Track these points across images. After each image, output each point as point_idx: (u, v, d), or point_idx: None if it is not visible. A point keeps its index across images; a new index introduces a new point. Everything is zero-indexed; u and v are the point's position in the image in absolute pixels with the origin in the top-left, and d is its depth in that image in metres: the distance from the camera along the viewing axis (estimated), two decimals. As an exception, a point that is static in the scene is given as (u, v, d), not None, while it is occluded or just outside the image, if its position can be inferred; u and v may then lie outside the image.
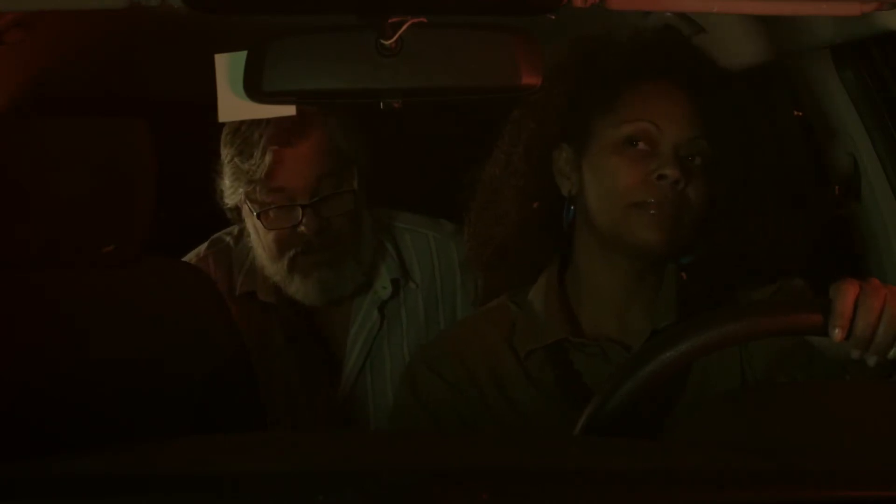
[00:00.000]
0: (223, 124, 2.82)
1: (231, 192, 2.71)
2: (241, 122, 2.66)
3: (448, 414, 2.18)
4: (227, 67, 2.14)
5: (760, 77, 2.48)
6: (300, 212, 2.64)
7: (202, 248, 2.88)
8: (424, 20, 1.77)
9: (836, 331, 1.82)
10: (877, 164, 2.40)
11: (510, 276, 2.31)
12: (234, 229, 2.87)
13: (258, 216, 2.67)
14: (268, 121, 2.59)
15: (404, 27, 1.76)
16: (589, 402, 1.85)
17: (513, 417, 2.17)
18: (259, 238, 2.71)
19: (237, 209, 2.76)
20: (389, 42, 1.77)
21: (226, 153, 2.71)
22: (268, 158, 2.63)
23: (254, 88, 1.84)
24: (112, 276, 2.26)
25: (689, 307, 2.20)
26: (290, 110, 2.42)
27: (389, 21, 1.76)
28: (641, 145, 2.16)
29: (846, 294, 1.84)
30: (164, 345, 2.27)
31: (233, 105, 2.32)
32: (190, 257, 2.88)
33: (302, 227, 2.64)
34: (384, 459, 1.58)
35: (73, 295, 2.25)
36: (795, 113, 2.54)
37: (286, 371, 2.78)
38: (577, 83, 2.23)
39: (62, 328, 2.23)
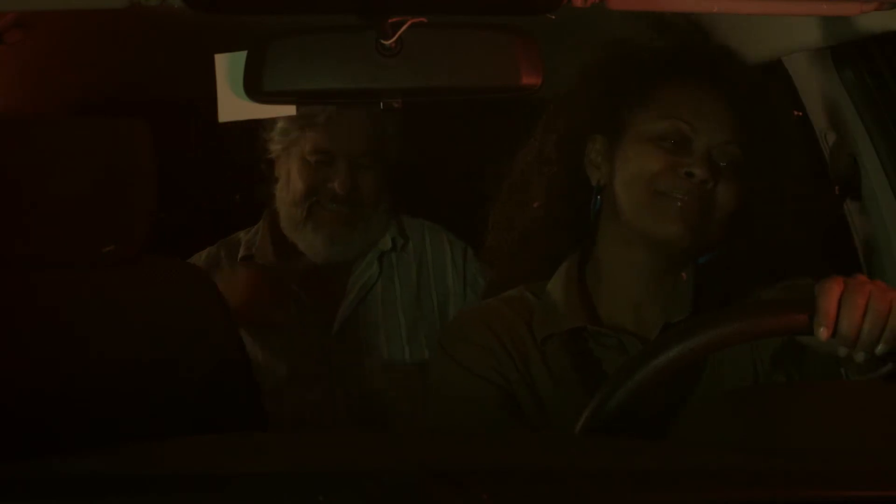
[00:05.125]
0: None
1: (281, 136, 2.88)
2: None
3: (485, 371, 2.19)
4: (227, 67, 2.14)
5: (760, 77, 2.48)
6: (338, 169, 2.84)
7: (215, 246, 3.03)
8: (424, 20, 1.77)
9: (822, 330, 1.82)
10: (877, 164, 2.40)
11: (530, 265, 2.32)
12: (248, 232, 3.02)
13: (299, 161, 2.86)
14: None
15: (404, 27, 1.76)
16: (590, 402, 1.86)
17: (533, 397, 2.18)
18: (289, 184, 2.89)
19: (270, 162, 2.92)
20: (389, 42, 1.77)
21: None
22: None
23: (254, 88, 1.84)
24: (112, 276, 2.26)
25: (704, 304, 2.21)
26: (290, 110, 2.42)
27: (389, 21, 1.76)
28: (675, 142, 2.18)
29: (829, 292, 1.83)
30: (164, 345, 2.27)
31: (233, 105, 2.31)
32: (201, 254, 3.00)
33: (335, 184, 2.83)
34: (384, 459, 1.58)
35: (73, 295, 2.25)
36: (795, 113, 2.55)
37: (281, 327, 2.90)
38: (618, 77, 2.25)
39: (62, 328, 2.23)
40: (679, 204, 2.15)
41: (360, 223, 2.89)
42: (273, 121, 2.89)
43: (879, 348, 1.84)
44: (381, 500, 1.38)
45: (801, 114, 2.55)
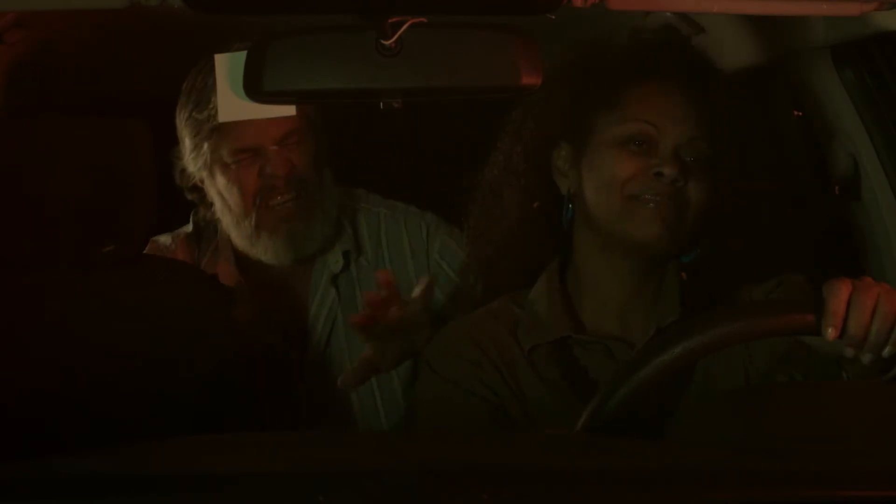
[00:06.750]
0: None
1: (194, 156, 2.64)
2: (196, 79, 2.61)
3: (474, 386, 2.19)
4: (227, 67, 2.15)
5: (760, 77, 2.48)
6: (266, 156, 2.59)
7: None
8: (424, 20, 1.77)
9: (830, 330, 1.82)
10: (877, 164, 2.40)
11: (510, 276, 2.32)
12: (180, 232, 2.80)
13: (223, 172, 2.62)
14: None
15: (404, 27, 1.76)
16: (588, 404, 1.85)
17: (522, 408, 2.18)
18: (225, 201, 2.66)
19: (198, 188, 2.69)
20: (389, 42, 1.77)
21: (182, 116, 2.65)
22: None
23: (254, 88, 1.84)
24: (112, 276, 2.26)
25: (692, 304, 2.21)
26: (290, 110, 2.42)
27: (389, 21, 1.76)
28: (641, 144, 2.17)
29: (839, 293, 1.84)
30: (164, 344, 2.27)
31: (233, 105, 2.32)
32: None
33: (269, 169, 2.59)
34: (384, 459, 1.58)
35: (73, 295, 2.25)
36: (795, 113, 2.55)
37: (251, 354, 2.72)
38: (578, 83, 2.25)
39: (62, 328, 2.23)
40: (652, 205, 2.15)
41: (314, 211, 2.65)
42: (179, 145, 2.66)
43: (887, 350, 1.85)
44: (381, 500, 1.38)
45: (801, 114, 2.55)
